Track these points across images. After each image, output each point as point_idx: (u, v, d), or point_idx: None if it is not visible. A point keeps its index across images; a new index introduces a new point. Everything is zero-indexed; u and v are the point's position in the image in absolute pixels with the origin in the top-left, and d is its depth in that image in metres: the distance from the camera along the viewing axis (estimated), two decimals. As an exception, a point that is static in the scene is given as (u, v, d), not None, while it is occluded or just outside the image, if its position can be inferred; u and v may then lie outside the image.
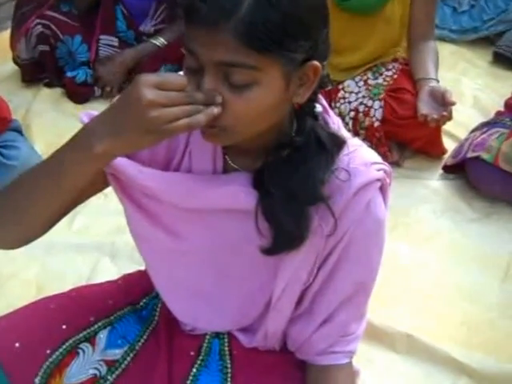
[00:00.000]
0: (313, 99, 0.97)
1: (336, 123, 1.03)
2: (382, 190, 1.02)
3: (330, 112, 1.04)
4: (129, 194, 1.04)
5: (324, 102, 1.03)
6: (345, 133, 1.04)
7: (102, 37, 2.65)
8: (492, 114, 2.44)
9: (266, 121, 0.92)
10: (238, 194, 1.00)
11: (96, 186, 1.04)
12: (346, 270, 1.03)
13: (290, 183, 0.96)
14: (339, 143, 0.98)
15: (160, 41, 2.64)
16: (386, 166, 1.03)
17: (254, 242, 1.00)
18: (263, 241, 0.99)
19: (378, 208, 1.01)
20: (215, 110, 0.85)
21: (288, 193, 0.96)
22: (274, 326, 1.09)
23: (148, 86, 0.81)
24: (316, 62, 0.90)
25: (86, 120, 0.98)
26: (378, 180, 1.00)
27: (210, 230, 1.05)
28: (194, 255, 1.08)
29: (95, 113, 0.97)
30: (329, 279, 1.04)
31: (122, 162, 0.98)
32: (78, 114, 1.02)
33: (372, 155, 1.03)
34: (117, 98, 0.89)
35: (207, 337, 1.16)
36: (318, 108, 1.00)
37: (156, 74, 0.84)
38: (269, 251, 0.99)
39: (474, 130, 2.30)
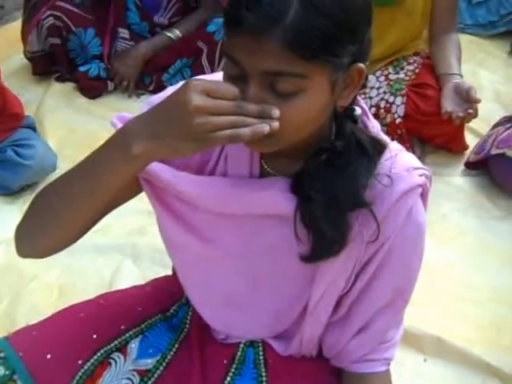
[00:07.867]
0: (353, 102, 0.94)
1: (375, 127, 1.01)
2: (423, 194, 1.00)
3: (370, 115, 1.02)
4: (162, 199, 1.02)
5: (364, 104, 1.00)
6: (384, 136, 1.01)
7: (119, 29, 2.61)
8: (513, 108, 2.41)
9: (311, 126, 0.89)
10: (276, 198, 0.97)
11: (129, 191, 1.01)
12: (385, 277, 1.01)
13: (331, 188, 0.92)
14: (380, 147, 0.96)
15: (175, 33, 2.60)
16: (427, 171, 1.00)
17: (290, 248, 0.98)
18: (301, 247, 0.96)
19: (419, 214, 0.99)
20: (267, 127, 0.80)
21: (329, 198, 0.92)
22: (311, 333, 1.07)
23: (197, 91, 0.78)
24: (361, 65, 0.88)
25: (118, 124, 0.95)
26: (420, 186, 0.97)
27: (246, 236, 1.03)
28: (227, 262, 1.05)
29: (128, 116, 0.94)
30: (367, 287, 1.02)
31: (156, 167, 0.96)
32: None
33: (413, 160, 1.00)
34: (161, 96, 0.84)
35: (241, 345, 1.13)
36: (358, 111, 0.97)
37: (206, 80, 0.81)
38: (308, 258, 0.96)
39: (496, 125, 2.25)
